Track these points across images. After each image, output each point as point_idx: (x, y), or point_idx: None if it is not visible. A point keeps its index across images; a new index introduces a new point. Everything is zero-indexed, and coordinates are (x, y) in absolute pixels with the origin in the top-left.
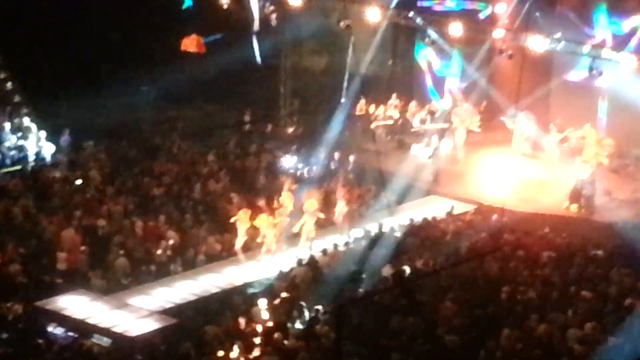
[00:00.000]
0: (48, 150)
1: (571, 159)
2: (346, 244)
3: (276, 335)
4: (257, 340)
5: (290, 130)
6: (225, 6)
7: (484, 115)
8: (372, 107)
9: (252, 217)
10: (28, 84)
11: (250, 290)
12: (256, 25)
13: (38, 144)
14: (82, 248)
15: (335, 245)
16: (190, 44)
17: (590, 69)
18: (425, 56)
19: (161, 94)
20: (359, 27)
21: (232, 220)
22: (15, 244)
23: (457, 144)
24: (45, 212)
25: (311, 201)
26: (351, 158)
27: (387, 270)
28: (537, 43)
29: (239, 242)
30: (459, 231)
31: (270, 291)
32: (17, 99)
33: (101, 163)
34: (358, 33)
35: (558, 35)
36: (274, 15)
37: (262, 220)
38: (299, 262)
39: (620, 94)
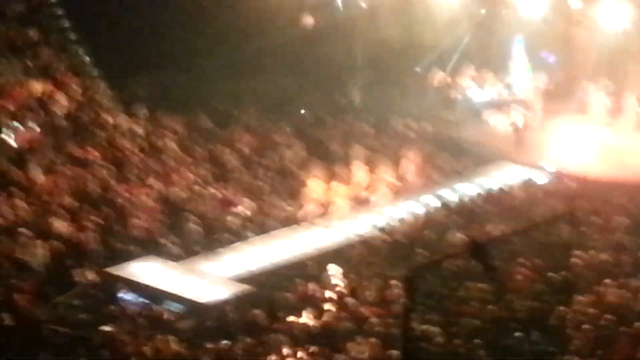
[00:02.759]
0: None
1: None
2: (422, 211)
3: (348, 300)
4: (328, 306)
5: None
6: None
7: (561, 84)
8: (449, 78)
9: (326, 185)
10: (105, 57)
11: (323, 257)
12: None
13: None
14: (157, 215)
15: (410, 213)
16: None
17: None
18: None
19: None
20: None
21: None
22: (90, 212)
23: (533, 112)
24: (119, 179)
25: (385, 169)
26: (427, 127)
27: (456, 237)
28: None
29: (308, 209)
30: (535, 199)
31: (342, 257)
32: (94, 72)
33: (177, 133)
34: (434, 3)
35: None
36: None
37: (336, 188)
38: (372, 229)
39: None
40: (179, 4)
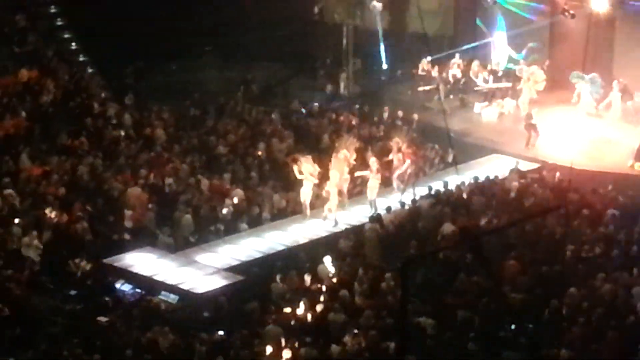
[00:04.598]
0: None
1: (636, 117)
2: (412, 202)
3: (342, 292)
4: (323, 297)
5: (353, 89)
6: None
7: (547, 74)
8: (435, 67)
9: (317, 176)
10: (92, 44)
11: (316, 248)
12: None
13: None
14: (149, 206)
15: (402, 204)
16: None
17: None
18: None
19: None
20: None
21: (299, 176)
22: (82, 202)
23: (522, 102)
24: (111, 170)
25: (373, 159)
26: (415, 117)
27: (448, 228)
28: (599, 2)
29: (305, 197)
30: (523, 189)
31: (336, 248)
32: (81, 58)
33: (166, 122)
34: None
35: None
36: None
37: (332, 176)
38: (370, 220)
39: None
40: None
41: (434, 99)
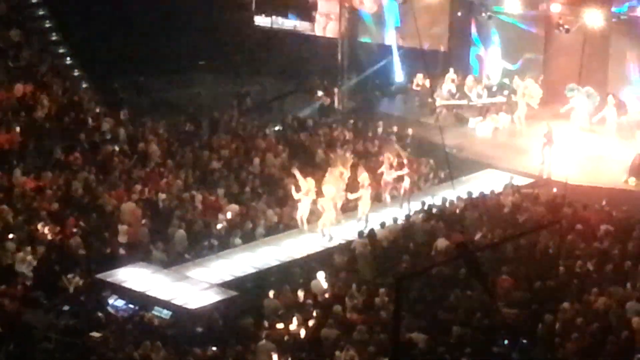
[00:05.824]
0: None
1: (630, 132)
2: (406, 217)
3: (335, 307)
4: (316, 312)
5: (348, 104)
6: None
7: (542, 89)
8: (427, 82)
9: (311, 191)
10: (87, 59)
11: (310, 264)
12: None
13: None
14: (143, 221)
15: (395, 219)
16: None
17: None
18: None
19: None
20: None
21: (295, 196)
22: (76, 217)
23: (518, 117)
24: (105, 185)
25: (365, 174)
26: (409, 131)
27: (442, 243)
28: (594, 17)
29: (302, 213)
30: (518, 204)
31: (329, 264)
32: (76, 73)
33: (160, 137)
34: (415, 7)
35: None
36: None
37: (327, 191)
38: (358, 235)
39: None
40: (163, 8)
41: (435, 113)
